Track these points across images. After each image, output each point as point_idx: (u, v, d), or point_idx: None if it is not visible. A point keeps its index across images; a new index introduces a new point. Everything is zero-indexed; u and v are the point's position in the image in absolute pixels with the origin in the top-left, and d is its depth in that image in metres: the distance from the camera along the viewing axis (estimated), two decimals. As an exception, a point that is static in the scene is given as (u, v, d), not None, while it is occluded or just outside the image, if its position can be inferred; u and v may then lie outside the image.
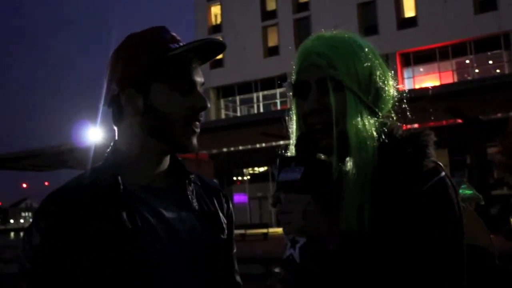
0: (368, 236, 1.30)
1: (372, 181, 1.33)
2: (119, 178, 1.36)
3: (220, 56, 36.44)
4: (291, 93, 1.46)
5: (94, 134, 22.81)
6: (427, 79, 30.78)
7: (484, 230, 1.60)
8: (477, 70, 30.69)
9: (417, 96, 19.17)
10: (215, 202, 1.54)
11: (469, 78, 29.68)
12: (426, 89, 22.28)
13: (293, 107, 1.47)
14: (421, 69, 31.81)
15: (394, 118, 1.47)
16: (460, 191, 1.63)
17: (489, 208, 20.07)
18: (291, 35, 34.98)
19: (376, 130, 1.37)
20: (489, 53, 30.66)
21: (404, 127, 1.48)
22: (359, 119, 1.35)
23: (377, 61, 1.41)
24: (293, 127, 1.49)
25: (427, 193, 1.31)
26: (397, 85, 1.48)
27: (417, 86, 30.10)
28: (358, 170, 1.34)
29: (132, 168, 1.41)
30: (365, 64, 1.38)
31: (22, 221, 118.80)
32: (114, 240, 1.28)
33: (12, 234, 62.95)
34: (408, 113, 1.51)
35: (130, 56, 1.39)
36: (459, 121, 22.24)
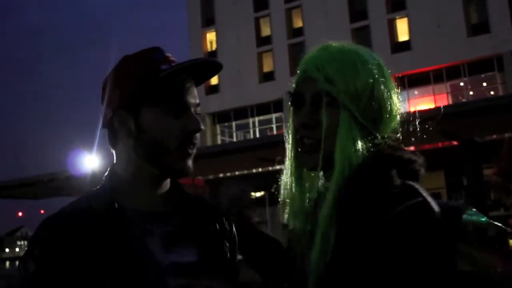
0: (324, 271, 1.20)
1: (340, 205, 1.23)
2: (116, 203, 1.33)
3: (215, 82, 36.68)
4: (289, 103, 1.40)
5: (90, 161, 22.75)
6: (422, 102, 30.90)
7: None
8: (471, 92, 30.86)
9: (414, 118, 19.28)
10: (217, 225, 1.48)
11: (463, 100, 29.84)
12: (426, 111, 22.41)
13: (290, 117, 1.41)
14: (416, 92, 31.96)
15: (399, 139, 1.39)
16: (475, 217, 1.51)
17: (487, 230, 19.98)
18: (286, 60, 35.14)
19: (367, 152, 1.27)
20: (482, 75, 30.86)
21: (411, 148, 1.40)
22: (350, 138, 1.25)
23: (382, 78, 1.31)
24: (289, 138, 1.42)
25: (392, 221, 1.14)
26: (402, 104, 1.40)
27: (412, 109, 30.22)
28: (335, 194, 1.25)
29: (129, 192, 1.37)
30: (367, 80, 1.28)
31: (17, 250, 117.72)
32: (109, 267, 1.25)
33: (7, 263, 62.31)
34: (413, 134, 1.46)
35: (121, 78, 1.36)
36: (455, 143, 22.30)
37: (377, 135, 1.32)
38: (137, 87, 1.34)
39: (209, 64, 1.42)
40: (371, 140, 1.30)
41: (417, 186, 1.24)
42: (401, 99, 1.38)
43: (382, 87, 1.31)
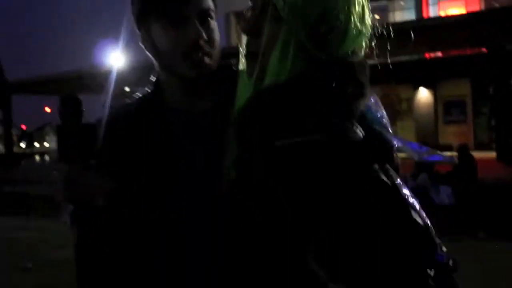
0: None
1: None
2: (159, 102, 1.48)
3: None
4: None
5: (116, 59, 22.84)
6: (452, 5, 29.98)
7: None
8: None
9: (439, 24, 18.84)
10: None
11: (496, 5, 28.85)
12: (449, 16, 21.79)
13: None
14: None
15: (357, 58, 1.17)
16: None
17: (509, 140, 19.99)
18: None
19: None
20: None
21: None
22: (285, 56, 1.14)
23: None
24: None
25: (278, 154, 1.02)
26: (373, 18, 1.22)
27: (441, 13, 29.39)
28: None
29: (170, 95, 1.50)
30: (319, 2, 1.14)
31: (47, 144, 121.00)
32: (148, 159, 1.41)
33: (37, 157, 64.24)
34: (376, 49, 1.23)
35: None
36: (484, 50, 21.81)
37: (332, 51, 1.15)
38: (141, 5, 1.43)
39: None
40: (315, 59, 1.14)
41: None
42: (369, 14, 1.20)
43: (341, 4, 1.15)
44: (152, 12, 1.42)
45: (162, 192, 1.40)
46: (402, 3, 31.53)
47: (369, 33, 1.19)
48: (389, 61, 1.26)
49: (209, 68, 1.43)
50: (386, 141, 1.10)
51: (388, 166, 1.06)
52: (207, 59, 1.41)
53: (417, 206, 1.07)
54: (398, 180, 1.05)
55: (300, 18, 1.13)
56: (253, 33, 1.21)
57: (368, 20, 1.19)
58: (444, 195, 10.58)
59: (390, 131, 1.18)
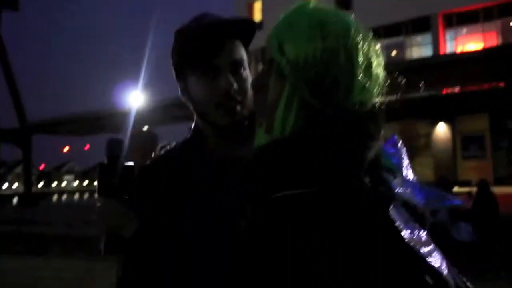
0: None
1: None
2: (199, 148, 1.56)
3: (259, 18, 36.26)
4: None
5: (134, 99, 23.12)
6: (470, 40, 30.08)
7: None
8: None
9: (456, 60, 18.89)
10: None
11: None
12: (465, 53, 21.86)
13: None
14: (464, 30, 31.09)
15: (372, 110, 1.19)
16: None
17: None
18: None
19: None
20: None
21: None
22: (288, 111, 1.16)
23: (345, 47, 1.16)
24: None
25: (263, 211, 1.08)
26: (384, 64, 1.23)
27: (459, 48, 29.49)
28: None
29: (207, 139, 1.57)
30: (320, 52, 1.15)
31: (64, 183, 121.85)
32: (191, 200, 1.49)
33: (55, 196, 64.64)
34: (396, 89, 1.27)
35: (171, 53, 1.57)
36: (501, 84, 21.79)
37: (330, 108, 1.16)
38: (177, 58, 1.55)
39: (241, 22, 1.55)
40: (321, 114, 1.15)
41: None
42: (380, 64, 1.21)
43: (343, 57, 1.16)
44: (188, 65, 1.52)
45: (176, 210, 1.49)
46: (419, 39, 31.70)
47: (378, 83, 1.20)
48: (406, 96, 1.27)
49: (241, 116, 1.50)
50: (389, 187, 1.11)
51: (392, 213, 1.06)
52: (238, 108, 1.48)
53: (430, 252, 1.07)
54: (401, 227, 1.05)
55: (302, 77, 1.15)
56: (260, 89, 1.26)
57: (377, 70, 1.20)
58: (465, 232, 10.43)
59: (406, 173, 1.20)
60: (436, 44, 30.60)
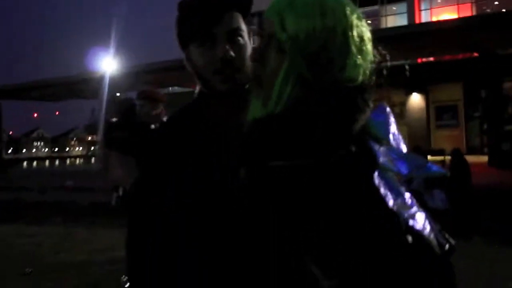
0: None
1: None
2: (202, 113, 1.63)
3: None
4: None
5: (108, 64, 22.82)
6: (445, 11, 30.29)
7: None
8: (496, 2, 30.11)
9: (431, 30, 19.04)
10: None
11: (488, 10, 29.19)
12: (440, 22, 22.02)
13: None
14: (439, 0, 31.25)
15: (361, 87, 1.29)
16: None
17: (501, 144, 20.22)
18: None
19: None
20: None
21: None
22: (286, 84, 1.26)
23: (343, 28, 1.26)
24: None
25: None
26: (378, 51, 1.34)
27: (434, 18, 29.68)
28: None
29: (209, 106, 1.65)
30: (320, 31, 1.24)
31: (34, 150, 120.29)
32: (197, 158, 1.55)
33: (25, 163, 63.89)
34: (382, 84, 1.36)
35: (175, 21, 1.66)
36: (475, 55, 22.07)
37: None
38: (179, 29, 1.65)
39: None
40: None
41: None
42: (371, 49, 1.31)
43: (339, 36, 1.26)
44: (189, 34, 1.62)
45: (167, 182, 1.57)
46: (394, 8, 31.78)
47: (369, 61, 1.31)
48: (381, 66, 1.36)
49: (240, 82, 1.59)
50: (373, 157, 1.20)
51: (375, 176, 1.16)
52: (237, 75, 1.58)
53: (413, 211, 1.19)
54: (384, 193, 1.16)
55: (301, 52, 1.24)
56: (259, 61, 1.33)
57: (367, 48, 1.31)
58: (439, 199, 10.70)
59: (393, 140, 1.30)
60: (411, 14, 30.74)
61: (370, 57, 1.31)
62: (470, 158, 14.53)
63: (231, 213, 1.31)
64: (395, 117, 1.42)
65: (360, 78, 1.28)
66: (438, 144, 25.06)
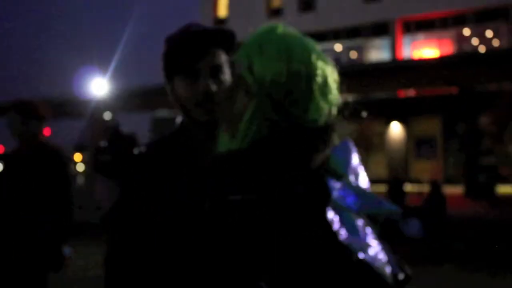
0: None
1: None
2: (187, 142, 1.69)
3: (224, 14, 36.00)
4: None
5: (99, 86, 22.57)
6: (426, 46, 30.73)
7: None
8: (475, 42, 30.64)
9: (413, 66, 19.36)
10: None
11: (467, 48, 29.68)
12: (422, 60, 22.35)
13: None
14: (421, 36, 31.73)
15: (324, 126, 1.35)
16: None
17: (478, 176, 20.44)
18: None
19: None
20: (489, 25, 30.55)
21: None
22: (252, 125, 1.32)
23: (309, 72, 1.32)
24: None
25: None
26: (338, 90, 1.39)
27: (415, 53, 30.11)
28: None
29: (191, 135, 1.71)
30: (287, 75, 1.30)
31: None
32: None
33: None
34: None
35: (162, 56, 1.73)
36: (454, 90, 22.41)
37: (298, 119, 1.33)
38: (166, 62, 1.72)
39: (223, 32, 1.70)
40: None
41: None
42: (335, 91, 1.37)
43: (304, 81, 1.31)
44: (174, 68, 1.70)
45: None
46: (378, 42, 32.20)
47: (332, 102, 1.36)
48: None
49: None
50: (327, 193, 1.26)
51: (328, 211, 1.23)
52: (216, 108, 1.65)
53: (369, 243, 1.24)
54: (335, 225, 1.22)
55: (267, 95, 1.30)
56: (228, 99, 1.42)
57: (332, 91, 1.36)
58: (415, 228, 10.85)
59: (353, 176, 1.37)
60: (393, 48, 31.17)
61: (334, 98, 1.37)
62: (448, 188, 14.67)
63: (198, 237, 1.36)
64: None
65: (322, 119, 1.34)
66: (417, 174, 25.24)
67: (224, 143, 1.40)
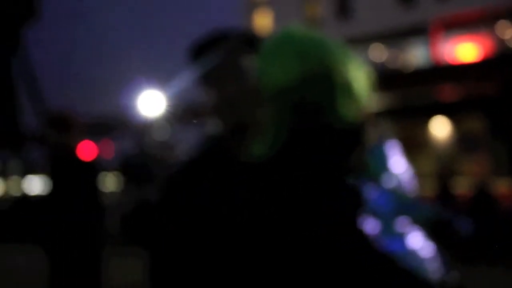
0: None
1: None
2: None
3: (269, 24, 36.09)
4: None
5: (154, 107, 21.45)
6: (465, 45, 30.04)
7: None
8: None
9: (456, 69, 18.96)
10: None
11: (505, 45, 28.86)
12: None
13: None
14: (459, 35, 31.02)
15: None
16: None
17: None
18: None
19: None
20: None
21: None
22: (272, 131, 1.26)
23: (330, 67, 1.25)
24: None
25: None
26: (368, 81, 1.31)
27: (455, 53, 29.48)
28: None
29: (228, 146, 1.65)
30: (302, 79, 1.24)
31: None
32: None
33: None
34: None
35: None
36: (497, 88, 21.84)
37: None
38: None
39: (248, 36, 1.66)
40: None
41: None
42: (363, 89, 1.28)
43: (323, 82, 1.25)
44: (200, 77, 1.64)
45: None
46: (415, 46, 31.74)
47: (360, 98, 1.26)
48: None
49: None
50: (358, 194, 1.22)
51: (360, 215, 1.18)
52: (240, 113, 1.56)
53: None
54: (367, 229, 1.18)
55: (286, 101, 1.23)
56: (249, 105, 1.37)
57: (358, 87, 1.26)
58: (465, 226, 10.52)
59: (392, 176, 1.28)
60: (430, 49, 30.60)
61: (362, 94, 1.27)
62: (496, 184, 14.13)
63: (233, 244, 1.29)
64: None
65: (351, 117, 1.24)
66: (465, 170, 24.66)
67: (253, 150, 1.32)
